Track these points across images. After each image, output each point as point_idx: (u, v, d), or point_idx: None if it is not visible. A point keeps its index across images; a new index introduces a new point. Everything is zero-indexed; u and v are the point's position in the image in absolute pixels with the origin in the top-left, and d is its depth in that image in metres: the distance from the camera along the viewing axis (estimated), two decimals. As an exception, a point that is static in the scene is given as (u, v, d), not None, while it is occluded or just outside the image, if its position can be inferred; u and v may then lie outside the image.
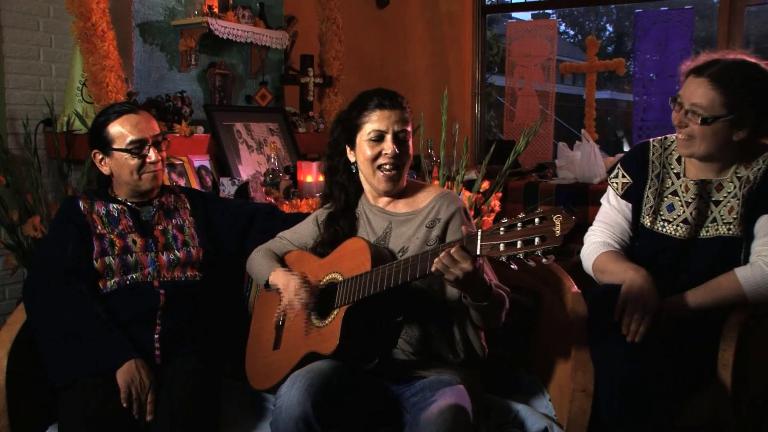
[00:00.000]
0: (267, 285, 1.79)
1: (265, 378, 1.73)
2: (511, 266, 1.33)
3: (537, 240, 1.27)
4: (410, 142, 1.70)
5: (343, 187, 1.79)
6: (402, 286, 1.48)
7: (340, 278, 1.63)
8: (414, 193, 1.75)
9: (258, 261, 1.85)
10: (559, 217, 1.26)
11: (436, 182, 3.10)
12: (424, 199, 1.72)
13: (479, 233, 1.37)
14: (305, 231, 1.87)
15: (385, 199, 1.75)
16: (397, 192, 1.73)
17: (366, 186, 1.76)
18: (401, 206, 1.74)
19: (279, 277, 1.74)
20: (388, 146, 1.65)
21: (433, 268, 1.41)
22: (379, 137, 1.66)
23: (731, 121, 1.67)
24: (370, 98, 1.69)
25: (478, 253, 1.37)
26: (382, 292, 1.50)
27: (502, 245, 1.32)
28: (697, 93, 1.68)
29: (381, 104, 1.67)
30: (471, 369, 1.66)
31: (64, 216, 1.82)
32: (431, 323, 1.63)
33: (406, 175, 1.73)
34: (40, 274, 1.78)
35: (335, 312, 1.59)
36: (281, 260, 1.84)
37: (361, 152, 1.69)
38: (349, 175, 1.78)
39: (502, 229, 1.34)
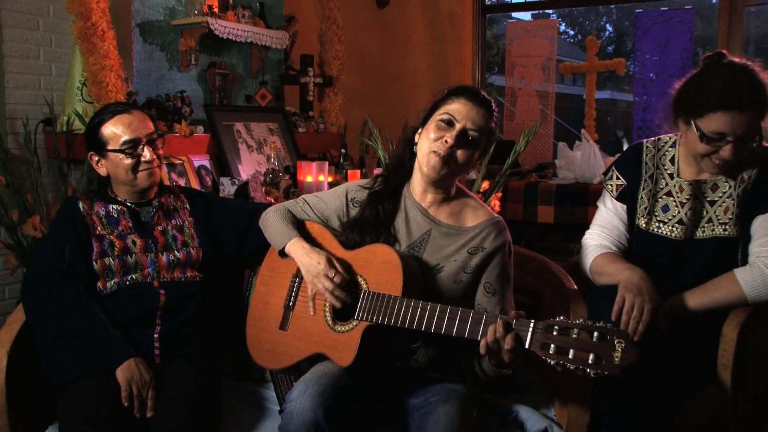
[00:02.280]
0: (282, 252, 1.71)
1: (268, 357, 1.72)
2: (557, 369, 1.28)
3: (591, 358, 1.22)
4: (474, 153, 1.59)
5: (403, 164, 1.70)
6: (433, 334, 1.44)
7: (365, 286, 1.57)
8: (461, 206, 1.66)
9: (275, 221, 1.74)
10: (621, 343, 1.21)
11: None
12: (472, 218, 1.64)
13: (531, 325, 1.32)
14: (331, 203, 1.76)
15: (430, 198, 1.65)
16: (441, 189, 1.64)
17: (415, 175, 1.67)
18: (444, 215, 1.65)
19: (300, 252, 1.64)
20: (451, 135, 1.55)
21: (482, 352, 1.37)
22: (449, 122, 1.57)
23: (760, 132, 1.66)
24: (464, 88, 1.62)
25: (526, 346, 1.32)
26: (410, 329, 1.46)
27: (552, 347, 1.27)
28: (739, 123, 1.62)
29: (465, 93, 1.59)
30: (475, 388, 1.64)
31: (62, 218, 1.82)
32: (445, 350, 1.60)
33: (455, 180, 1.64)
34: (37, 275, 1.78)
35: (354, 323, 1.55)
36: (301, 226, 1.76)
37: (426, 131, 1.59)
38: (410, 154, 1.68)
39: (556, 328, 1.28)
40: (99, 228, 1.81)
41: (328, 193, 1.81)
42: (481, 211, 1.65)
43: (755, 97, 1.62)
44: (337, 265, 1.60)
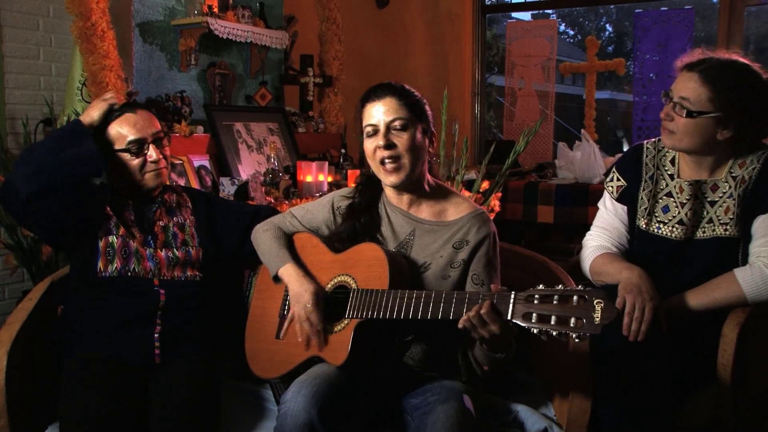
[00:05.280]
0: (276, 277, 1.73)
1: (266, 367, 1.73)
2: (541, 338, 1.28)
3: (573, 321, 1.23)
4: (415, 133, 1.59)
5: (372, 182, 1.72)
6: (421, 321, 1.45)
7: (354, 285, 1.59)
8: (442, 200, 1.67)
9: (267, 242, 1.77)
10: (600, 302, 1.23)
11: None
12: (454, 213, 1.65)
13: (512, 296, 1.33)
14: (318, 214, 1.79)
15: (406, 200, 1.67)
16: (414, 187, 1.64)
17: (385, 185, 1.69)
18: (426, 212, 1.66)
19: (291, 279, 1.67)
20: (380, 139, 1.59)
21: (460, 325, 1.38)
22: (374, 131, 1.60)
23: (717, 119, 1.67)
24: (365, 95, 1.65)
25: (509, 317, 1.33)
26: (398, 319, 1.47)
27: (534, 315, 1.28)
28: (687, 87, 1.70)
29: (369, 97, 1.62)
30: (473, 385, 1.64)
31: None
32: (438, 344, 1.61)
33: (420, 168, 1.62)
34: None
35: (346, 322, 1.56)
36: (290, 240, 1.78)
37: (365, 149, 1.64)
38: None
39: (537, 297, 1.29)
40: (108, 208, 1.82)
41: (315, 204, 1.83)
42: (464, 205, 1.67)
43: (714, 68, 1.67)
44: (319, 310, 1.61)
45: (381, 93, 1.62)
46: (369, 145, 1.62)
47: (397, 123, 1.59)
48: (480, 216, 1.63)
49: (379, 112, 1.60)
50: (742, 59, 1.72)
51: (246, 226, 1.96)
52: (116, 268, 1.77)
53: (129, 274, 1.78)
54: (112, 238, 1.79)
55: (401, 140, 1.59)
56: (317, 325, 1.59)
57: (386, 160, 1.59)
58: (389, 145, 1.58)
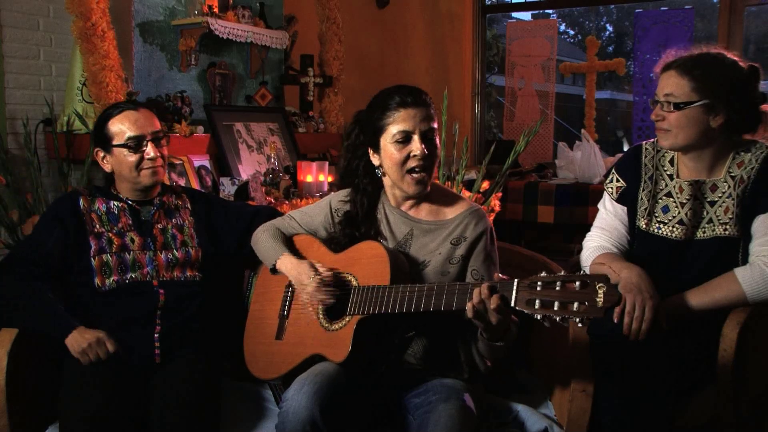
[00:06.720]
0: (273, 269, 1.74)
1: (266, 368, 1.73)
2: (545, 324, 1.29)
3: (576, 306, 1.23)
4: (438, 141, 1.62)
5: (366, 192, 1.71)
6: (423, 313, 1.46)
7: (355, 283, 1.60)
8: (440, 200, 1.68)
9: (265, 241, 1.78)
10: (602, 286, 1.23)
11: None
12: (451, 212, 1.66)
13: (515, 284, 1.34)
14: (317, 217, 1.80)
15: (408, 202, 1.68)
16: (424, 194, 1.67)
17: (389, 189, 1.69)
18: (424, 213, 1.67)
19: (288, 266, 1.68)
20: (416, 147, 1.56)
21: (469, 315, 1.39)
22: (406, 138, 1.57)
23: (705, 106, 1.69)
24: (392, 97, 1.59)
25: (512, 304, 1.34)
26: (400, 313, 1.48)
27: (537, 302, 1.29)
28: (668, 83, 1.72)
29: (404, 102, 1.57)
30: (474, 384, 1.64)
31: (54, 214, 1.83)
32: (439, 340, 1.61)
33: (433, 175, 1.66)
34: (6, 264, 1.81)
35: (347, 319, 1.56)
36: (289, 241, 1.79)
37: (388, 156, 1.60)
38: (372, 179, 1.70)
39: (539, 284, 1.30)
40: (97, 226, 1.82)
41: (313, 207, 1.84)
42: (460, 203, 1.68)
43: (689, 60, 1.71)
44: (320, 267, 1.63)
45: (418, 99, 1.59)
46: (399, 152, 1.58)
47: (431, 132, 1.60)
48: (476, 212, 1.65)
49: (415, 120, 1.57)
50: (714, 50, 1.75)
51: (246, 226, 1.96)
52: (114, 280, 1.78)
53: (127, 281, 1.78)
54: (107, 257, 1.78)
55: (433, 148, 1.60)
56: (329, 296, 1.59)
57: (417, 169, 1.58)
58: (427, 155, 1.58)
